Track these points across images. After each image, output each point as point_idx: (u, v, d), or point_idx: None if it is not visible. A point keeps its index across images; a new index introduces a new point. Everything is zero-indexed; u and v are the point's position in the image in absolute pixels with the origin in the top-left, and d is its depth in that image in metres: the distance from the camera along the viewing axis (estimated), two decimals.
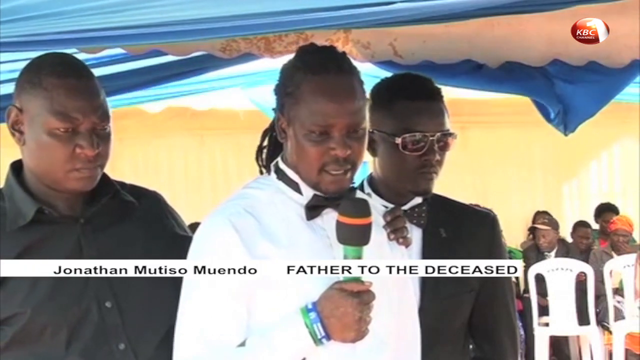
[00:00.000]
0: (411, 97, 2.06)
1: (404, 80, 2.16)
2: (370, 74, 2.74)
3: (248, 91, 5.50)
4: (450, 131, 2.07)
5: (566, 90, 3.00)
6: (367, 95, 2.07)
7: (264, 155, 1.88)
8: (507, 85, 3.07)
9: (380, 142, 2.09)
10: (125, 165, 6.79)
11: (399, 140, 2.02)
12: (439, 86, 2.15)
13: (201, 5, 1.94)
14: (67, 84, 1.83)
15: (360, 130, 1.74)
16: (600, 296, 6.77)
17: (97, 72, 2.69)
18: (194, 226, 1.86)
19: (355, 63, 2.70)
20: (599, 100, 3.04)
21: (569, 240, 7.88)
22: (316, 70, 1.72)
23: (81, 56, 2.35)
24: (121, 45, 2.64)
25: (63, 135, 1.82)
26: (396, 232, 1.90)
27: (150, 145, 7.51)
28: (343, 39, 2.83)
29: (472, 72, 2.97)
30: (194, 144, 7.76)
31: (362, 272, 1.69)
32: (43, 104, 1.82)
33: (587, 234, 7.73)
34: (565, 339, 7.05)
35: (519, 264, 7.33)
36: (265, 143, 1.89)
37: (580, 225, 7.86)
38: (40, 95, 1.82)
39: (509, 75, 2.99)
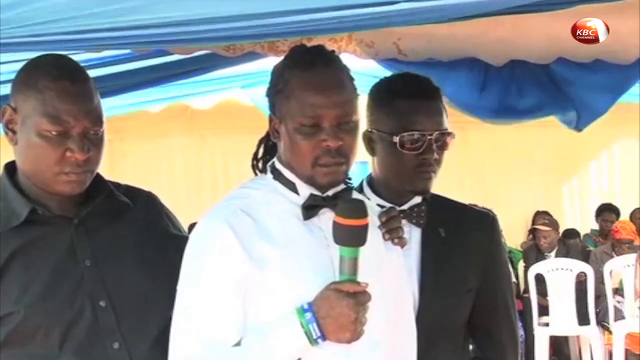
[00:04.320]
0: (409, 96, 2.06)
1: (402, 80, 2.16)
2: (372, 74, 2.74)
3: (248, 90, 5.50)
4: (448, 130, 2.07)
5: (573, 90, 3.01)
6: (366, 94, 2.09)
7: (260, 164, 1.89)
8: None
9: (378, 142, 2.09)
10: (125, 165, 6.79)
11: (397, 139, 2.02)
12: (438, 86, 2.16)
13: (203, 5, 1.93)
14: (61, 86, 1.82)
15: (351, 123, 1.75)
16: (600, 296, 6.77)
17: (99, 72, 2.71)
18: (193, 226, 1.85)
19: (357, 62, 2.73)
20: (608, 99, 3.04)
21: (595, 224, 8.00)
22: (304, 65, 1.75)
23: (83, 56, 2.35)
24: (126, 48, 2.64)
25: (54, 138, 1.81)
26: (391, 232, 1.90)
27: (150, 145, 7.50)
28: (347, 38, 2.84)
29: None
30: (194, 144, 7.76)
31: (358, 273, 1.69)
32: (35, 106, 1.81)
33: (613, 218, 7.82)
34: (565, 339, 7.05)
35: (519, 264, 7.37)
36: (261, 152, 1.90)
37: (606, 209, 7.95)
38: (33, 97, 1.81)
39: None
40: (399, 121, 2.04)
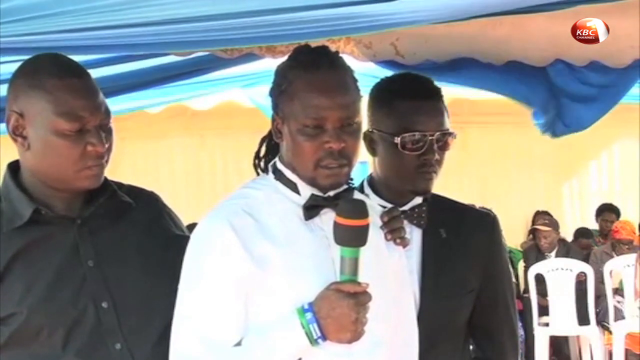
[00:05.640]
0: (410, 96, 2.05)
1: (403, 80, 2.16)
2: (371, 74, 2.74)
3: (248, 90, 5.50)
4: (449, 131, 2.06)
5: (567, 95, 3.00)
6: (367, 95, 2.09)
7: (262, 163, 1.89)
8: (507, 86, 3.06)
9: (379, 142, 2.08)
10: (125, 165, 6.78)
11: (397, 140, 2.02)
12: (439, 86, 2.15)
13: (201, 3, 1.94)
14: (69, 84, 1.83)
15: (355, 124, 1.75)
16: (600, 296, 6.77)
17: (97, 72, 2.69)
18: (192, 227, 1.85)
19: (356, 63, 2.72)
20: (600, 109, 3.05)
21: (595, 224, 8.03)
22: (308, 66, 1.75)
23: (81, 57, 2.34)
24: (123, 52, 2.64)
25: (73, 135, 1.82)
26: (393, 232, 1.90)
27: (150, 145, 7.50)
28: (345, 38, 2.83)
29: (474, 70, 2.96)
30: (194, 144, 7.76)
31: (358, 273, 1.69)
32: (47, 107, 1.81)
33: (612, 218, 7.83)
34: (565, 339, 7.06)
35: (519, 264, 7.37)
36: (263, 151, 1.90)
37: (606, 209, 7.96)
38: (43, 98, 1.81)
39: (510, 75, 2.98)
40: (400, 122, 2.03)
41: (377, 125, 2.08)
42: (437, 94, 2.10)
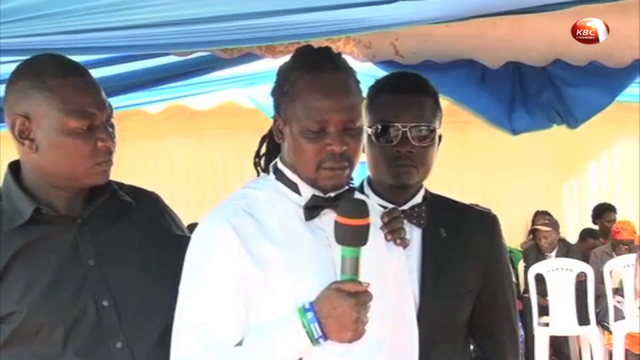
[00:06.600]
0: (390, 90, 2.07)
1: (390, 77, 2.18)
2: (371, 74, 2.74)
3: (247, 90, 5.50)
4: (429, 125, 2.04)
5: (568, 91, 3.01)
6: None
7: (262, 162, 1.89)
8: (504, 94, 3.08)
9: (365, 137, 2.08)
10: (125, 165, 6.76)
11: (372, 131, 2.03)
12: (432, 83, 2.14)
13: (201, 4, 1.94)
14: (74, 82, 1.83)
15: (357, 127, 1.75)
16: (600, 296, 6.77)
17: (98, 72, 2.70)
18: (193, 227, 1.85)
19: (356, 63, 2.73)
20: (602, 100, 3.05)
21: (594, 226, 8.02)
22: (311, 68, 1.74)
23: (81, 57, 2.34)
24: (123, 52, 2.65)
25: (83, 132, 1.83)
26: (394, 232, 1.90)
27: (150, 145, 7.50)
28: (344, 38, 2.84)
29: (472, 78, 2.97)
30: (194, 144, 7.76)
31: (359, 273, 1.69)
32: (54, 107, 1.81)
33: (613, 217, 7.83)
34: (565, 339, 7.06)
35: (519, 264, 7.37)
36: (264, 150, 1.89)
37: (607, 209, 7.96)
38: (49, 99, 1.81)
39: (510, 80, 2.99)
40: (376, 114, 2.05)
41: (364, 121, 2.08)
42: (419, 88, 2.09)
